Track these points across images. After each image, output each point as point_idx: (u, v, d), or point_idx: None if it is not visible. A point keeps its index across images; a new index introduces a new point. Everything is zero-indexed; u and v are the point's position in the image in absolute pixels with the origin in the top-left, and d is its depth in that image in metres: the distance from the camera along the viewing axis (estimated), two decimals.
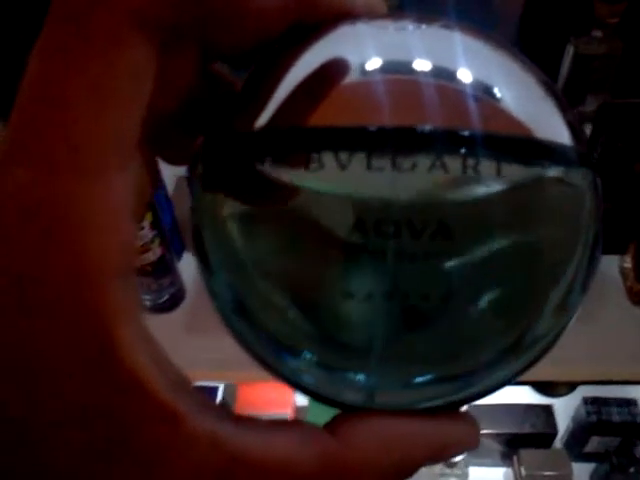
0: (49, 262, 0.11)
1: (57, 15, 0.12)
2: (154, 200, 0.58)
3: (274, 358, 0.16)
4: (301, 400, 1.00)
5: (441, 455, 0.16)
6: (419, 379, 0.15)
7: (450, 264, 0.14)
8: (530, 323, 0.15)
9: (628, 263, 0.66)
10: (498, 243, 0.14)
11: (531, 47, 0.81)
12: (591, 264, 0.15)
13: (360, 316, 0.15)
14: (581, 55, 0.75)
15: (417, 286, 0.14)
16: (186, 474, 0.13)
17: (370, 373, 0.15)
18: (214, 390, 0.97)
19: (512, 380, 0.16)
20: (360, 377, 0.15)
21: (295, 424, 0.14)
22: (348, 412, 0.15)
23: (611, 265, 0.68)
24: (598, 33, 0.74)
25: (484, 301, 0.15)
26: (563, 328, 0.16)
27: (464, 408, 0.17)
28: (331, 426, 0.15)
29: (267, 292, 0.15)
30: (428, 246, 0.14)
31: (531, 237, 0.15)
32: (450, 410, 0.16)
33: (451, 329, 0.15)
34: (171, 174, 0.69)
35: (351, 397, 0.16)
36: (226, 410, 0.14)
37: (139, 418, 0.12)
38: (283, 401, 0.97)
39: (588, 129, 0.64)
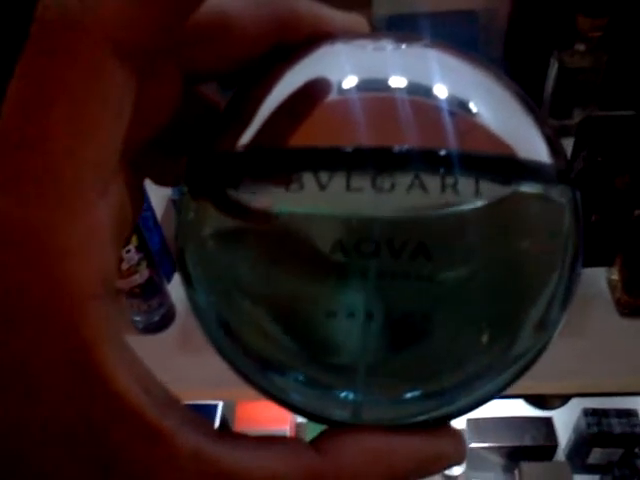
0: (28, 287, 0.12)
1: (35, 43, 0.12)
2: (140, 224, 0.59)
3: (259, 376, 0.16)
4: (299, 417, 1.00)
5: (427, 470, 0.16)
6: (404, 395, 0.16)
7: (430, 282, 0.14)
8: (511, 340, 0.15)
9: (615, 275, 0.66)
10: (478, 261, 0.14)
11: (517, 62, 0.82)
12: (571, 281, 0.15)
13: (343, 334, 0.15)
14: (565, 68, 0.75)
15: (399, 304, 0.15)
16: None
17: (356, 390, 0.15)
18: (214, 408, 0.98)
19: (495, 396, 0.16)
20: (346, 394, 0.16)
21: (281, 440, 0.14)
22: (335, 428, 0.15)
23: (599, 277, 0.69)
24: (581, 47, 0.74)
25: (465, 318, 0.15)
26: (545, 345, 0.16)
27: (453, 422, 0.17)
28: (317, 442, 0.15)
29: (250, 311, 0.15)
30: (408, 265, 0.14)
31: (510, 255, 0.15)
32: (436, 425, 0.16)
33: (433, 346, 0.15)
34: (160, 198, 0.70)
35: (338, 414, 0.16)
36: (212, 426, 0.14)
37: (123, 437, 0.12)
38: (282, 418, 0.97)
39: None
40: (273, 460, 0.14)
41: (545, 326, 0.15)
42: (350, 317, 0.14)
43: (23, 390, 0.12)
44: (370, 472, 0.15)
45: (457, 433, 0.16)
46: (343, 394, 0.16)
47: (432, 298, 0.15)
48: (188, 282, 0.16)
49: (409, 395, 0.16)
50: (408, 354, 0.15)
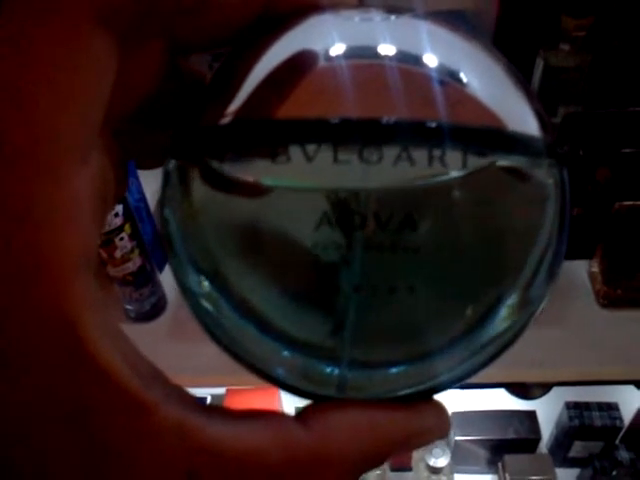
0: (9, 257, 0.11)
1: (12, 9, 0.12)
2: (133, 212, 0.60)
3: (245, 349, 0.16)
4: (288, 407, 1.01)
5: (411, 444, 0.16)
6: (389, 369, 0.16)
7: (416, 254, 0.14)
8: (495, 313, 0.15)
9: (595, 267, 0.68)
10: (463, 233, 0.15)
11: None
12: (557, 255, 0.15)
13: (330, 307, 0.15)
14: (550, 67, 0.77)
15: (385, 276, 0.15)
16: (156, 464, 0.13)
17: (341, 364, 0.16)
18: (202, 401, 0.99)
19: (478, 370, 0.16)
20: (331, 368, 0.16)
21: (265, 414, 0.14)
22: (320, 402, 0.15)
23: (580, 270, 0.70)
24: (566, 46, 0.76)
25: (449, 290, 0.15)
26: (527, 321, 0.16)
27: (439, 398, 0.17)
28: (302, 416, 0.15)
29: (236, 283, 0.15)
30: (395, 237, 0.14)
31: (496, 227, 0.15)
32: (420, 399, 0.16)
33: (418, 318, 0.15)
34: (153, 189, 0.71)
35: (323, 389, 0.16)
36: (196, 400, 0.14)
37: (107, 409, 0.12)
38: (270, 409, 0.98)
39: None
40: (257, 433, 0.14)
41: (528, 301, 0.15)
42: (336, 289, 0.15)
43: (2, 362, 0.12)
44: (354, 446, 0.15)
45: (441, 407, 0.16)
46: (328, 369, 0.16)
47: (418, 270, 0.15)
48: (175, 258, 0.16)
49: (393, 369, 0.16)
50: (393, 326, 0.16)
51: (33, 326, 0.12)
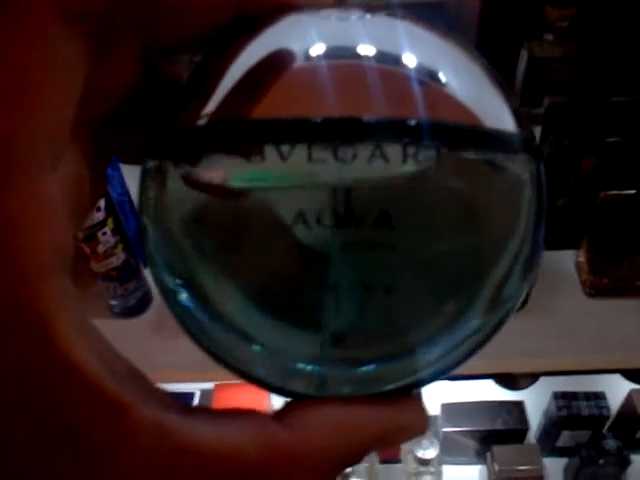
0: None
1: None
2: (116, 207, 0.60)
3: (224, 350, 0.16)
4: (277, 403, 1.01)
5: (390, 440, 0.16)
6: (368, 366, 0.16)
7: (393, 251, 0.14)
8: (471, 309, 0.15)
9: (582, 257, 0.68)
10: (437, 230, 0.15)
11: (488, 52, 0.83)
12: (533, 251, 0.15)
13: (307, 306, 0.15)
14: (534, 58, 0.77)
15: (362, 273, 0.15)
16: (133, 465, 0.13)
17: (320, 362, 0.16)
18: (190, 396, 0.98)
19: (458, 365, 0.16)
20: (310, 367, 0.16)
21: (245, 413, 0.14)
22: (299, 400, 0.15)
23: (567, 260, 0.71)
24: (550, 37, 0.76)
25: (427, 287, 0.15)
26: (504, 317, 0.16)
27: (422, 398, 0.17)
28: (281, 415, 0.15)
29: (214, 284, 0.15)
30: (371, 234, 0.14)
31: (471, 223, 0.15)
32: (399, 395, 0.16)
33: (396, 315, 0.15)
34: (136, 182, 0.70)
35: (302, 387, 0.16)
36: (174, 401, 0.14)
37: (83, 410, 0.12)
38: (259, 405, 0.98)
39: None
40: (236, 432, 0.14)
41: (504, 298, 0.15)
42: (314, 288, 0.15)
43: None
44: (334, 443, 0.15)
45: (419, 403, 0.17)
46: (307, 367, 0.16)
47: (395, 266, 0.15)
48: (152, 259, 0.16)
49: (372, 366, 0.16)
50: (371, 324, 0.16)
51: (4, 327, 0.11)
